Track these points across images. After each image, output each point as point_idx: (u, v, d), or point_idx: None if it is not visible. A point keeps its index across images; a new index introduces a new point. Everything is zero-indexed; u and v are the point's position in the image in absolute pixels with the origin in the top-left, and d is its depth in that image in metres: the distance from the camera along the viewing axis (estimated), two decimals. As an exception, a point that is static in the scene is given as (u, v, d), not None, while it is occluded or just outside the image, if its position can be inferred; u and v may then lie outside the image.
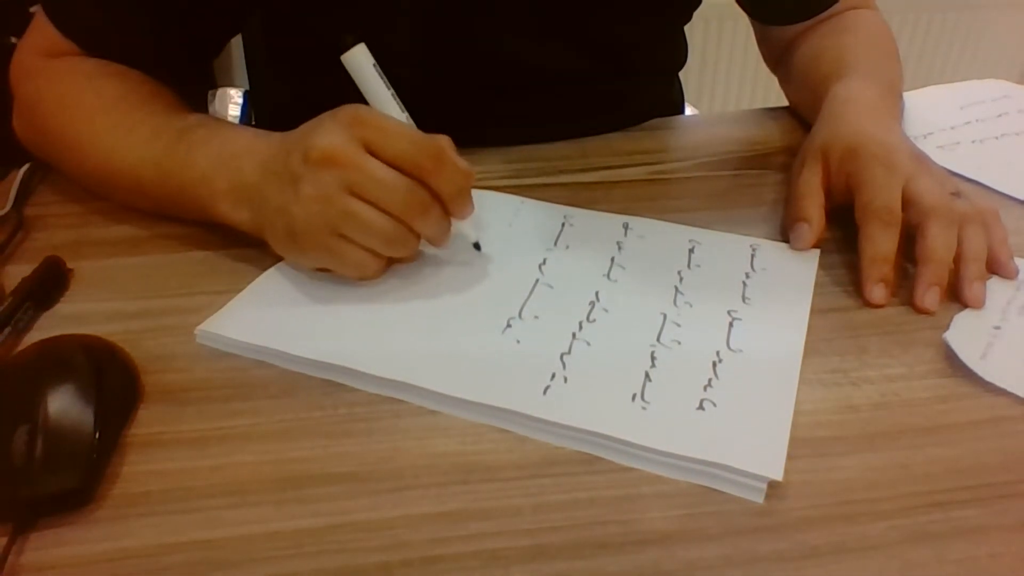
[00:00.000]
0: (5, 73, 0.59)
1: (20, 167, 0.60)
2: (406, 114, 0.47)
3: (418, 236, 0.46)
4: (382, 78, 0.46)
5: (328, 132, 0.43)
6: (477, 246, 0.49)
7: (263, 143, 0.48)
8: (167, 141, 0.51)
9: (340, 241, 0.44)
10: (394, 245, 0.45)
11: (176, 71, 0.60)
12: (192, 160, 0.50)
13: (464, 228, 0.48)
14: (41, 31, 0.57)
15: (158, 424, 0.40)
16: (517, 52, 0.64)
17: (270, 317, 0.45)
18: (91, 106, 0.55)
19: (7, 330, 0.45)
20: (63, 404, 0.38)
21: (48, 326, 0.46)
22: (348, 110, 0.44)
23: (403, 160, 0.43)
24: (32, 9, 0.58)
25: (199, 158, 0.49)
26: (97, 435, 0.37)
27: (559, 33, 0.64)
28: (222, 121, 0.53)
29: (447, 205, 0.46)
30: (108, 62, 0.57)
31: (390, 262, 0.47)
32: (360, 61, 0.45)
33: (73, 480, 0.35)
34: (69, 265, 0.51)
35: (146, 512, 0.35)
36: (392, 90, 0.46)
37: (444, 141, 0.45)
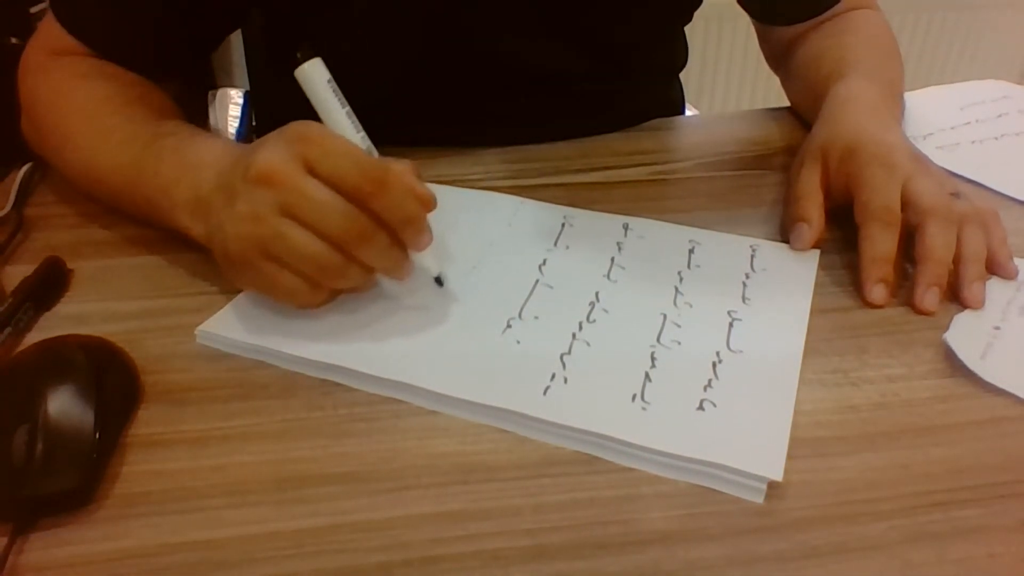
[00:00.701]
0: (4, 74, 0.59)
1: (20, 167, 0.60)
2: (362, 134, 0.44)
3: (364, 266, 0.42)
4: (337, 95, 0.43)
5: (269, 149, 0.41)
6: (439, 281, 0.46)
7: (228, 155, 0.46)
8: (137, 149, 0.50)
9: (271, 264, 0.41)
10: (329, 273, 0.42)
11: (177, 67, 0.61)
12: (157, 169, 0.49)
13: (423, 260, 0.45)
14: (48, 29, 0.58)
15: (158, 424, 0.40)
16: (517, 52, 0.64)
17: (270, 317, 0.45)
18: (79, 107, 0.55)
19: (7, 330, 0.45)
20: (63, 404, 0.38)
21: (48, 326, 0.46)
22: (296, 127, 0.41)
23: (342, 181, 0.40)
24: (33, 9, 0.59)
25: (165, 167, 0.48)
26: (97, 435, 0.37)
27: (559, 33, 0.64)
28: (197, 131, 0.51)
29: (397, 234, 0.42)
30: (106, 63, 0.57)
31: (337, 292, 0.45)
32: (312, 77, 0.42)
33: (73, 480, 0.35)
34: (69, 265, 0.51)
35: (146, 512, 0.35)
36: (348, 107, 0.43)
37: (400, 166, 0.43)
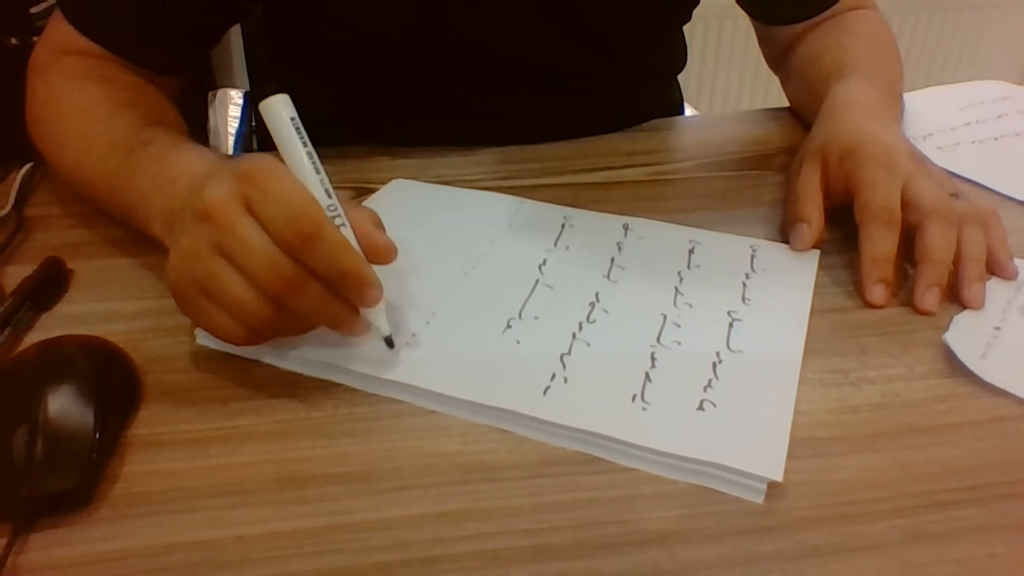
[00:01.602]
0: (4, 73, 0.59)
1: (20, 167, 0.60)
2: (322, 175, 0.40)
3: (301, 317, 0.40)
4: (299, 133, 0.40)
5: (217, 184, 0.39)
6: (389, 343, 0.42)
7: (201, 172, 0.44)
8: (117, 160, 0.50)
9: (206, 301, 0.39)
10: (257, 320, 0.39)
11: (181, 62, 0.61)
12: (135, 180, 0.49)
13: (373, 317, 0.41)
14: (56, 27, 0.58)
15: (158, 424, 0.40)
16: (515, 47, 0.64)
17: (270, 317, 0.45)
18: (69, 112, 0.55)
19: (7, 330, 0.45)
20: (63, 404, 0.38)
21: (48, 326, 0.46)
22: (248, 162, 0.39)
23: (271, 228, 0.37)
24: (33, 10, 0.59)
25: (142, 179, 0.48)
26: (97, 435, 0.37)
27: (557, 27, 0.64)
28: (176, 141, 0.50)
29: (337, 289, 0.39)
30: (106, 64, 0.57)
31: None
32: (275, 113, 0.40)
33: (73, 480, 0.35)
34: (69, 265, 0.51)
35: (146, 512, 0.35)
36: (310, 147, 0.40)
37: (359, 214, 0.41)
